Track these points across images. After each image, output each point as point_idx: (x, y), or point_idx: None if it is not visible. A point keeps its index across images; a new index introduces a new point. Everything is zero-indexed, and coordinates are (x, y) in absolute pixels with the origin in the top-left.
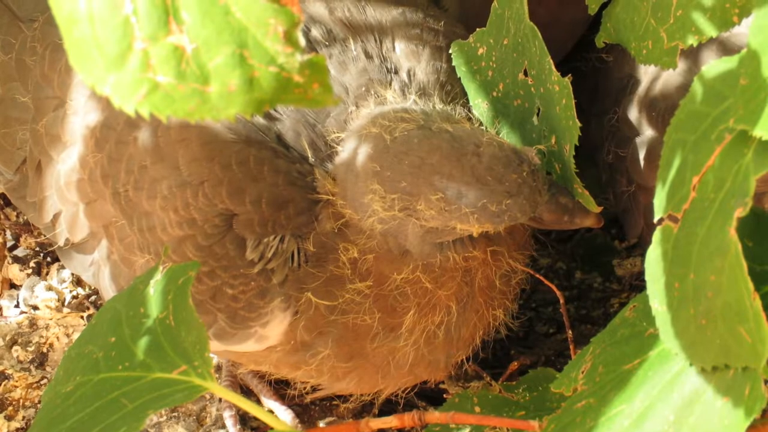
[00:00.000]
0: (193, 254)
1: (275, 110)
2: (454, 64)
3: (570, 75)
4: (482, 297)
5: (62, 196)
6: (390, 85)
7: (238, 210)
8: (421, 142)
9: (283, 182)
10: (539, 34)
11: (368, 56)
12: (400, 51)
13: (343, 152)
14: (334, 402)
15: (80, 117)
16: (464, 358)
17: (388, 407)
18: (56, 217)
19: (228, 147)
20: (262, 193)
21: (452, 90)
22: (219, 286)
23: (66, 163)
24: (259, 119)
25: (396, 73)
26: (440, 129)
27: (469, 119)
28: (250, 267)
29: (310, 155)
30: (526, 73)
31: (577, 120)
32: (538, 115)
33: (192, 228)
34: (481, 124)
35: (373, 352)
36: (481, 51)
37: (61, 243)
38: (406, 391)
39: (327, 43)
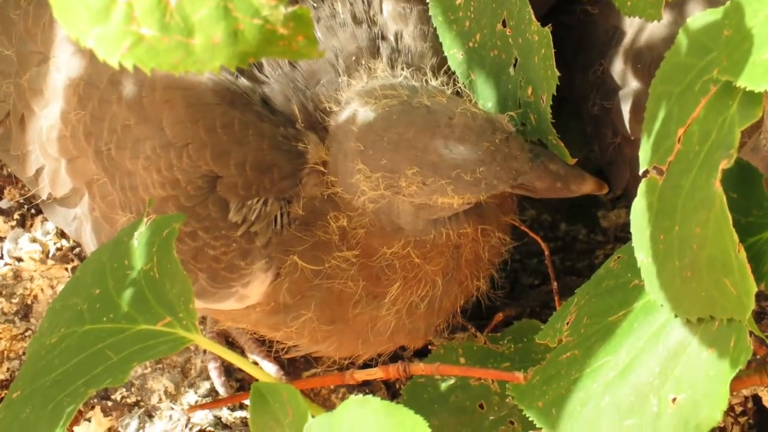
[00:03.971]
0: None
1: (262, 73)
2: (430, 13)
3: (550, 25)
4: (468, 269)
5: (44, 151)
6: (378, 52)
7: (222, 172)
8: (399, 118)
9: (268, 146)
10: None
11: (356, 21)
12: (388, 13)
13: (335, 128)
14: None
15: (63, 74)
16: (443, 325)
17: (369, 364)
18: (39, 171)
19: (212, 109)
20: (246, 156)
21: (440, 55)
22: (200, 247)
23: (48, 119)
24: (245, 81)
25: (383, 39)
26: (419, 104)
27: (458, 92)
28: (233, 229)
29: (299, 120)
30: (504, 24)
31: (555, 70)
32: (515, 65)
33: (175, 189)
34: (459, 93)
35: (355, 318)
36: (459, 1)
37: (44, 197)
38: (384, 356)
39: (315, 5)
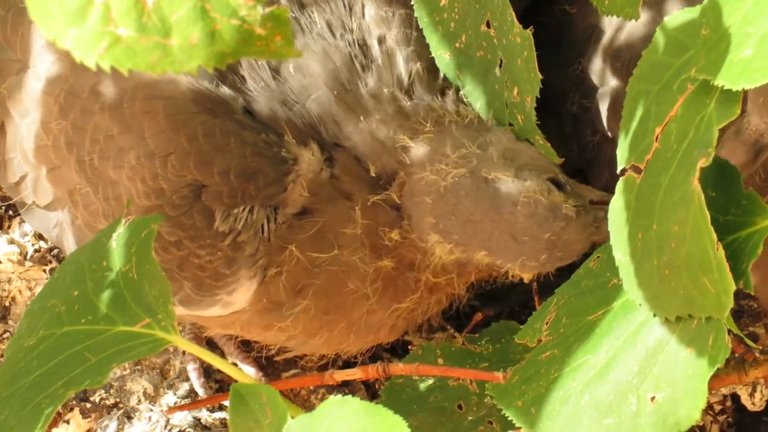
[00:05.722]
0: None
1: (247, 88)
2: (416, 15)
3: (532, 27)
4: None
5: (26, 159)
6: (367, 63)
7: (207, 181)
8: (467, 195)
9: (251, 153)
10: None
11: (342, 29)
12: (370, 17)
13: (411, 184)
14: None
15: (43, 83)
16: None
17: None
18: (22, 179)
19: (193, 118)
20: (230, 164)
21: (423, 58)
22: (186, 256)
23: (29, 128)
24: (226, 90)
25: (367, 46)
26: (486, 179)
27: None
28: (218, 238)
29: (288, 132)
30: (488, 25)
31: (538, 72)
32: (500, 66)
33: (160, 198)
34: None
35: (353, 307)
36: (443, 2)
37: (28, 203)
38: (364, 354)
39: (295, 15)
